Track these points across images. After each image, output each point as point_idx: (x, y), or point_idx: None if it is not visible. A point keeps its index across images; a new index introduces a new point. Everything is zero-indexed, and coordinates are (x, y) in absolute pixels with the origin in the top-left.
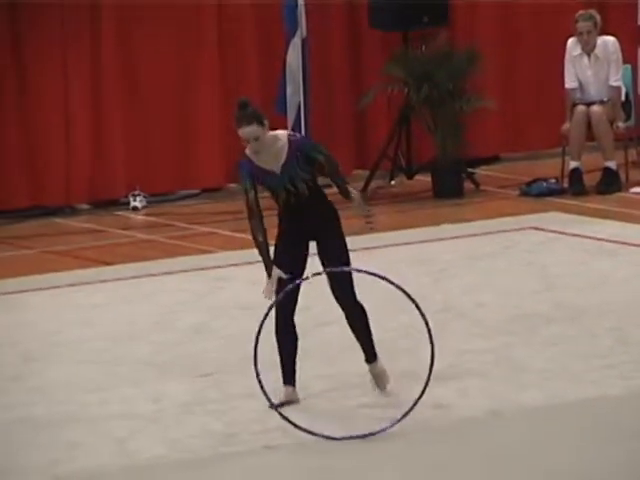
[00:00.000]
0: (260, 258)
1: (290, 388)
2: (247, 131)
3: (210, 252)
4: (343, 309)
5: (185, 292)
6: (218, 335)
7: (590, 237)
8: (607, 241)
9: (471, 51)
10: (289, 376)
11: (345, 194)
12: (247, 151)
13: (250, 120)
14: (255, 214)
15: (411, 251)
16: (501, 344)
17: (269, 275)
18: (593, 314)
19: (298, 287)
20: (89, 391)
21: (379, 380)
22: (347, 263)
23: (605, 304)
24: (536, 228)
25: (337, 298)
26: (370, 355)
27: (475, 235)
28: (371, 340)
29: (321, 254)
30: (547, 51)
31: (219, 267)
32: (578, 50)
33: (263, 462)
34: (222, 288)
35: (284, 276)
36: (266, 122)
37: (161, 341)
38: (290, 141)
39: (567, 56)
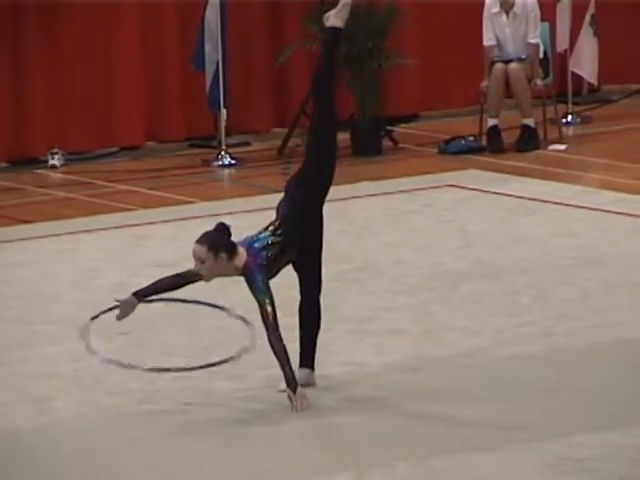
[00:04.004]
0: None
1: (304, 371)
2: (194, 248)
3: (129, 210)
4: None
5: (104, 250)
6: None
7: (508, 195)
8: (525, 199)
9: (390, 8)
10: (303, 357)
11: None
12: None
13: (204, 242)
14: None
15: (330, 208)
16: (420, 301)
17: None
18: (512, 271)
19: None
20: (8, 350)
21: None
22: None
23: (523, 261)
24: (455, 186)
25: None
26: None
27: (394, 193)
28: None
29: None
30: (467, 8)
31: (138, 225)
32: (497, 7)
33: (183, 420)
34: (141, 246)
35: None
36: (223, 256)
37: (81, 300)
38: (245, 269)
39: (485, 13)
